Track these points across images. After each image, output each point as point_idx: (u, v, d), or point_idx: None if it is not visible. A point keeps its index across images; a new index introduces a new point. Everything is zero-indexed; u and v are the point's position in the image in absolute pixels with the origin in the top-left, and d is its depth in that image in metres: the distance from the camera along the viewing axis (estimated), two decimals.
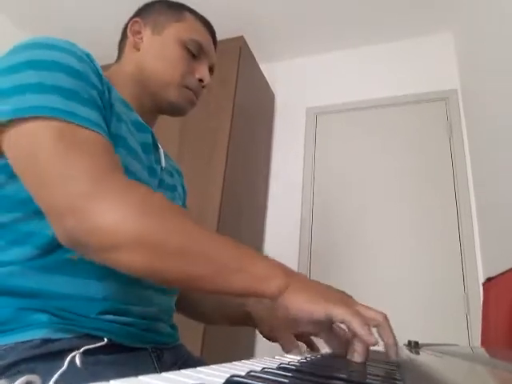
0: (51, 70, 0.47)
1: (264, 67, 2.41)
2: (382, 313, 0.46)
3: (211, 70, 0.76)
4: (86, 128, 0.46)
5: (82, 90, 0.49)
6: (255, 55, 2.24)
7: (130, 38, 0.70)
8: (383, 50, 2.37)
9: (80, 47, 0.55)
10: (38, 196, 0.44)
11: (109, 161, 0.47)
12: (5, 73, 0.47)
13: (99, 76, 0.54)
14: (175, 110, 0.72)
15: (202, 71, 0.71)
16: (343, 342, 0.51)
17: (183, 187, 0.85)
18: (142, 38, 0.70)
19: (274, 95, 2.54)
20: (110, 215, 0.42)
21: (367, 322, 0.42)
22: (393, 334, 0.44)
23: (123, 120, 0.58)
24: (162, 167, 0.69)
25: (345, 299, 0.46)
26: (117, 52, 0.75)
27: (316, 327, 0.51)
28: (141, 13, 0.73)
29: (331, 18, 2.23)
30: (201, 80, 0.71)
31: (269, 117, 2.46)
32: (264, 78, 2.38)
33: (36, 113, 0.44)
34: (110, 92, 0.56)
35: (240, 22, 2.27)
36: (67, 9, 2.29)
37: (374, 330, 0.43)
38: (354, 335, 0.42)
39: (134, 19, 0.71)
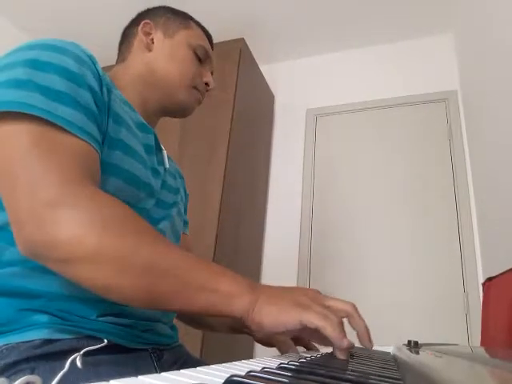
0: (44, 70, 0.47)
1: (264, 69, 2.41)
2: (349, 303, 0.46)
3: (211, 75, 0.79)
4: (67, 131, 0.45)
5: (72, 92, 0.48)
6: (255, 57, 2.24)
7: (142, 39, 0.71)
8: (383, 51, 2.38)
9: (83, 48, 0.54)
10: (5, 199, 0.43)
11: (82, 170, 0.45)
12: (2, 69, 0.47)
13: (98, 77, 0.54)
14: (183, 111, 0.74)
15: (208, 76, 0.76)
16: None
17: (185, 191, 0.86)
18: (152, 40, 0.71)
19: (273, 97, 2.54)
20: (71, 227, 0.40)
21: (338, 320, 0.42)
22: (363, 321, 0.45)
23: (124, 121, 0.57)
24: (165, 168, 0.70)
25: (313, 297, 0.45)
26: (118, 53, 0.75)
27: (300, 331, 0.50)
28: (147, 16, 0.74)
29: (331, 20, 2.23)
30: (207, 84, 0.75)
31: (269, 118, 2.47)
32: (264, 79, 2.39)
33: (12, 108, 0.43)
34: (109, 93, 0.56)
35: (240, 23, 2.27)
36: (68, 11, 2.30)
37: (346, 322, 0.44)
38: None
39: (145, 21, 0.72)
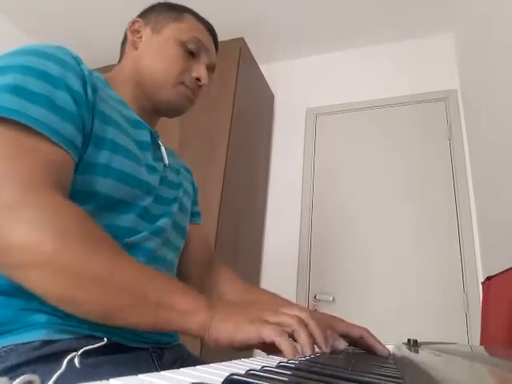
0: (21, 73, 0.47)
1: (264, 68, 2.41)
2: (304, 312, 0.45)
3: (212, 70, 0.75)
4: (39, 134, 0.45)
5: (48, 93, 0.47)
6: (255, 56, 2.24)
7: (130, 37, 0.70)
8: (383, 50, 2.38)
9: (67, 51, 0.54)
10: None
11: (48, 176, 0.44)
12: None
13: (82, 78, 0.53)
14: (173, 109, 0.71)
15: (200, 70, 0.70)
16: None
17: (193, 185, 0.85)
18: (141, 38, 0.70)
19: (273, 96, 2.54)
20: (26, 232, 0.39)
21: (290, 334, 0.41)
22: (305, 333, 0.42)
23: (112, 120, 0.57)
24: (165, 164, 0.69)
25: (269, 311, 0.45)
26: (116, 58, 0.75)
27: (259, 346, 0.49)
28: (142, 14, 0.74)
29: (331, 19, 2.23)
30: (198, 79, 0.71)
31: (268, 117, 2.46)
32: (264, 78, 2.38)
33: None
34: (95, 93, 0.55)
35: (240, 23, 2.27)
36: (68, 11, 2.29)
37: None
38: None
39: (135, 19, 0.72)
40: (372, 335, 0.57)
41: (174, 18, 0.70)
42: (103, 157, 0.53)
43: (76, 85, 0.51)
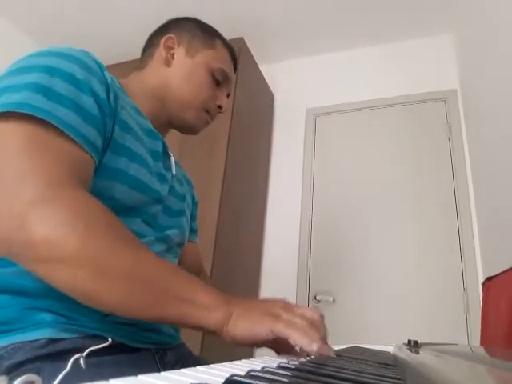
0: (50, 74, 0.48)
1: (263, 68, 2.41)
2: (317, 312, 0.47)
3: (228, 97, 0.80)
4: (63, 133, 0.45)
5: (73, 96, 0.48)
6: (254, 56, 2.24)
7: (162, 53, 0.71)
8: (383, 50, 2.38)
9: (92, 56, 0.55)
10: None
11: (72, 173, 0.45)
12: (9, 74, 0.48)
13: (106, 84, 0.54)
14: (189, 129, 0.75)
15: (223, 99, 0.76)
16: None
17: (193, 198, 0.86)
18: (173, 55, 0.71)
19: (273, 96, 2.54)
20: (51, 227, 0.40)
21: (306, 331, 0.42)
22: (323, 331, 0.45)
23: (131, 128, 0.58)
24: (172, 174, 0.70)
25: (283, 306, 0.46)
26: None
27: (273, 343, 0.49)
28: (173, 29, 0.74)
29: (331, 19, 2.23)
30: (219, 106, 0.76)
31: (268, 118, 2.46)
32: (263, 79, 2.39)
33: (13, 108, 0.43)
34: (116, 100, 0.56)
35: (239, 23, 2.27)
36: (68, 11, 2.29)
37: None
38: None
39: (169, 35, 0.72)
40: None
41: (208, 45, 0.73)
42: (122, 163, 0.54)
43: (100, 91, 0.52)
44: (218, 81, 0.73)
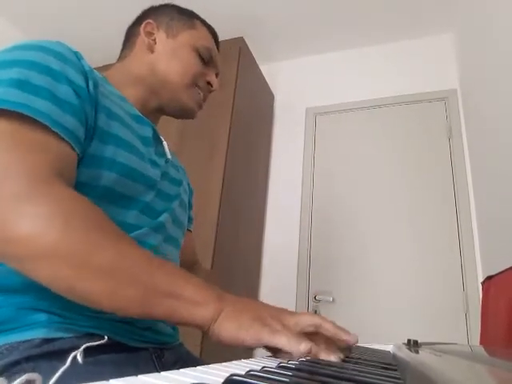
0: (24, 67, 0.47)
1: (263, 68, 2.41)
2: (314, 315, 0.46)
3: (216, 77, 0.79)
4: (42, 126, 0.45)
5: (50, 87, 0.47)
6: (255, 56, 2.24)
7: (144, 39, 0.70)
8: (383, 50, 2.38)
9: (68, 46, 0.55)
10: None
11: (52, 167, 0.44)
12: None
13: (84, 73, 0.54)
14: (185, 113, 0.74)
15: (212, 76, 0.75)
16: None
17: (189, 186, 0.86)
18: (154, 40, 0.71)
19: (273, 96, 2.54)
20: (32, 223, 0.39)
21: (295, 333, 0.41)
22: (331, 323, 0.45)
23: (116, 115, 0.57)
24: (166, 159, 0.69)
25: (275, 315, 0.45)
26: (117, 53, 0.75)
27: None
28: (151, 15, 0.74)
29: (330, 19, 2.23)
30: (209, 84, 0.75)
31: (268, 117, 2.46)
32: (263, 78, 2.38)
33: None
34: (96, 88, 0.55)
35: (239, 22, 2.27)
36: (68, 11, 2.29)
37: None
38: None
39: (147, 21, 0.71)
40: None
41: (188, 26, 0.72)
42: (108, 151, 0.53)
43: (77, 79, 0.52)
44: (204, 59, 0.72)
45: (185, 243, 0.81)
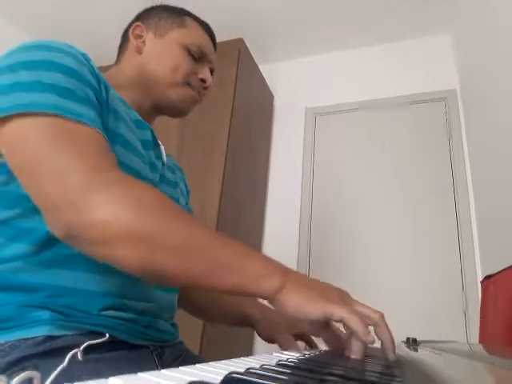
0: (48, 69, 0.48)
1: (263, 68, 2.41)
2: (378, 312, 0.46)
3: (211, 73, 0.77)
4: (82, 124, 0.47)
5: (77, 89, 0.49)
6: (254, 56, 2.24)
7: (133, 42, 0.71)
8: (382, 50, 2.37)
9: (77, 48, 0.55)
10: (33, 191, 0.45)
11: (104, 157, 0.47)
12: (3, 71, 0.48)
13: (96, 76, 0.55)
14: (178, 111, 0.74)
15: (204, 72, 0.74)
16: (341, 340, 0.51)
17: (186, 186, 0.86)
18: (144, 42, 0.71)
19: (273, 96, 2.54)
20: (104, 209, 0.42)
21: (364, 321, 0.42)
22: (390, 333, 0.45)
23: (122, 118, 0.58)
24: (163, 163, 0.70)
25: (342, 297, 0.46)
26: (116, 51, 0.75)
27: (314, 326, 0.51)
28: (141, 17, 0.74)
29: (330, 19, 2.23)
30: (203, 80, 0.73)
31: (268, 117, 2.46)
32: (263, 78, 2.38)
33: (31, 109, 0.44)
34: (107, 91, 0.56)
35: (239, 23, 2.27)
36: (68, 11, 2.29)
37: (371, 328, 0.44)
38: (352, 333, 0.42)
39: (136, 23, 0.72)
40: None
41: (177, 24, 0.72)
42: (117, 152, 0.54)
43: (93, 81, 0.53)
44: (195, 57, 0.71)
45: None
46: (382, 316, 0.46)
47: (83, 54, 0.55)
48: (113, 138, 0.54)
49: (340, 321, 0.42)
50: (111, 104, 0.56)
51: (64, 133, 0.45)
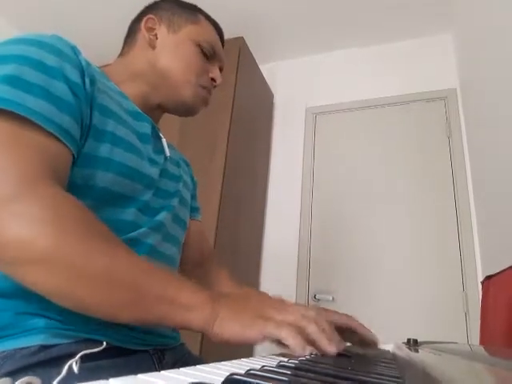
0: (17, 63, 0.45)
1: (263, 67, 2.41)
2: (313, 309, 0.45)
3: (220, 70, 0.77)
4: (35, 125, 0.43)
5: (45, 84, 0.46)
6: (254, 55, 2.24)
7: (145, 35, 0.68)
8: (382, 50, 2.37)
9: (65, 41, 0.53)
10: None
11: (45, 168, 0.43)
12: None
13: (81, 69, 0.51)
14: (188, 110, 0.72)
15: (215, 71, 0.73)
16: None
17: (192, 178, 0.84)
18: (156, 36, 0.69)
19: (273, 95, 2.54)
20: (23, 226, 0.38)
21: (299, 331, 0.41)
22: (329, 328, 0.43)
23: (112, 112, 0.55)
24: (166, 157, 0.68)
25: (277, 307, 0.45)
26: (118, 51, 0.74)
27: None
28: (153, 10, 0.72)
29: (330, 19, 2.23)
30: (213, 80, 0.73)
31: (268, 117, 2.46)
32: (263, 78, 2.38)
33: None
34: (93, 84, 0.53)
35: (239, 22, 2.27)
36: (68, 11, 2.29)
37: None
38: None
39: (149, 16, 0.69)
40: (360, 324, 0.56)
41: (191, 20, 0.70)
42: (104, 150, 0.52)
43: (74, 75, 0.50)
44: (207, 55, 0.70)
45: (192, 235, 0.80)
46: (317, 313, 0.44)
47: (72, 47, 0.53)
48: (99, 135, 0.52)
49: (278, 340, 0.40)
50: (97, 98, 0.53)
51: (8, 134, 0.42)
